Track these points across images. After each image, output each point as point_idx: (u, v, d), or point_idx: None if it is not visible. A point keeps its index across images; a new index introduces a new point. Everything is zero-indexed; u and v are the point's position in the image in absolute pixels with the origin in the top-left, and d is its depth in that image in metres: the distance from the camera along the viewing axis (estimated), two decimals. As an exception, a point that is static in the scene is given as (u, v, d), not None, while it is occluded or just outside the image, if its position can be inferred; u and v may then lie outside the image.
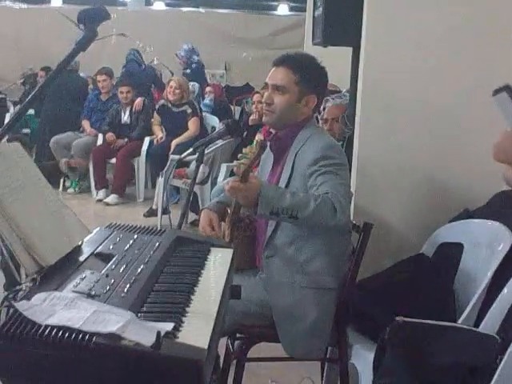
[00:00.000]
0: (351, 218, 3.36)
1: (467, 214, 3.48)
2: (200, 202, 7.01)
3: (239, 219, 3.19)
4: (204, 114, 8.55)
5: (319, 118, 5.06)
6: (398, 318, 2.54)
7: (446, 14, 3.63)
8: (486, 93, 1.36)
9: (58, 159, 8.94)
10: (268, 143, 3.24)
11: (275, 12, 17.50)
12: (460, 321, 2.83)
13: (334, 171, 2.93)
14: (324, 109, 5.05)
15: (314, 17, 4.54)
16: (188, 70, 10.26)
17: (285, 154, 3.17)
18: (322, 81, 3.24)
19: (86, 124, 9.22)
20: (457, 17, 3.62)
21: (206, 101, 9.57)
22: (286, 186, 3.05)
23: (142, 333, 1.61)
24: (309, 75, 3.14)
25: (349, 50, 4.21)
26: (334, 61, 5.66)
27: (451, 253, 3.27)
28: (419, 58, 3.67)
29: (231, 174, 6.59)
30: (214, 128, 8.36)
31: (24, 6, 15.36)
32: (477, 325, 2.76)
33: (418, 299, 3.06)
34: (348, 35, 4.00)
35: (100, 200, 8.58)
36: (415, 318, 2.58)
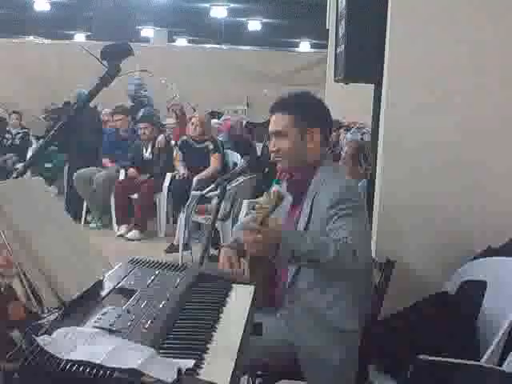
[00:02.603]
0: (373, 254, 3.34)
1: (490, 252, 3.46)
2: (222, 238, 6.99)
3: (259, 257, 3.17)
4: (225, 150, 8.56)
5: (342, 152, 5.04)
6: (421, 356, 2.52)
7: (472, 51, 3.61)
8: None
9: (80, 194, 8.99)
10: (285, 185, 3.25)
11: (297, 49, 17.69)
12: (483, 360, 2.79)
13: (353, 214, 2.92)
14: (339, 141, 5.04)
15: (335, 54, 4.56)
16: (140, 113, 10.24)
17: (303, 196, 3.16)
18: (321, 112, 3.21)
19: (106, 162, 9.25)
20: (482, 54, 3.60)
21: (219, 139, 9.52)
22: (305, 229, 3.04)
23: (163, 369, 1.60)
24: (302, 111, 3.13)
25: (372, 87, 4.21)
26: (358, 97, 5.69)
27: (474, 290, 3.23)
28: (443, 98, 3.64)
29: (253, 210, 6.56)
30: (235, 164, 8.36)
31: (48, 41, 15.60)
32: (500, 364, 2.72)
33: (440, 337, 3.03)
34: (370, 72, 4.00)
35: (121, 235, 8.58)
36: (438, 356, 2.56)
